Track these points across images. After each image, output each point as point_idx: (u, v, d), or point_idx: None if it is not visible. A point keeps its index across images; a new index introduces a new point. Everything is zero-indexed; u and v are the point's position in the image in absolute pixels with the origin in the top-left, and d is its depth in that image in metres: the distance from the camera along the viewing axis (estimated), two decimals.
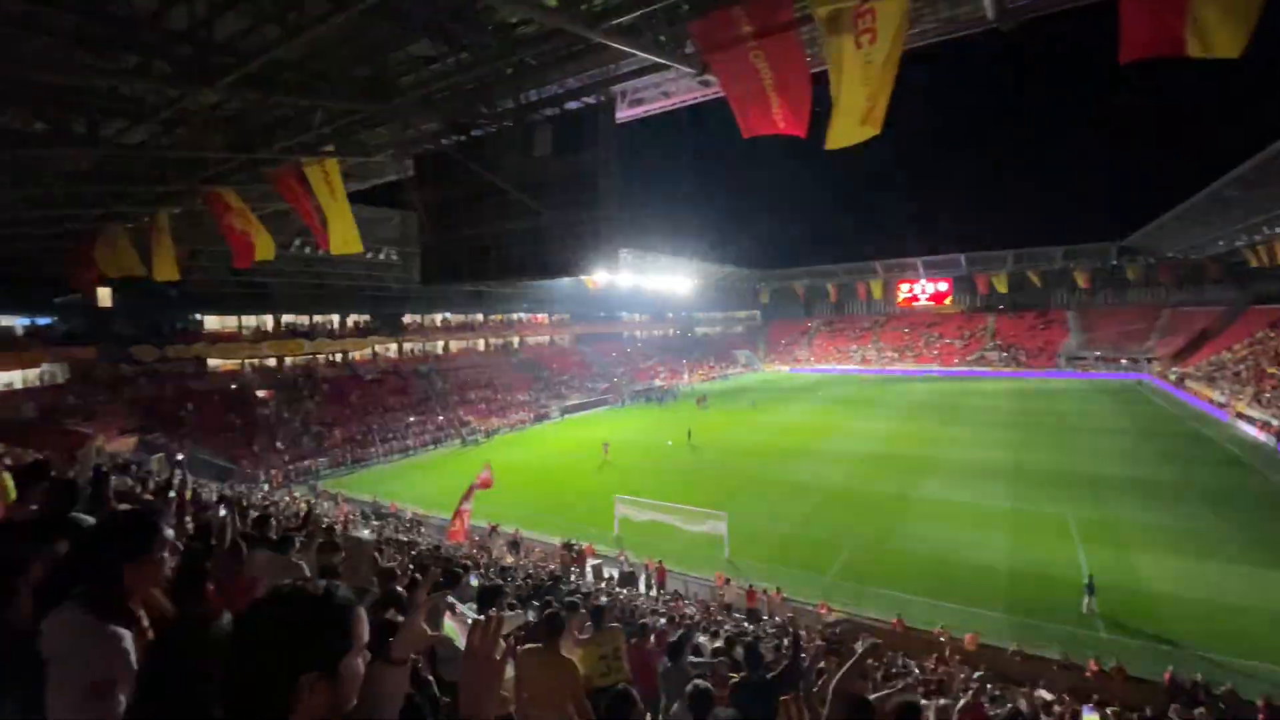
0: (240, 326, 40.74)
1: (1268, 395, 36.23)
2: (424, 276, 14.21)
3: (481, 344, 57.62)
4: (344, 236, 13.24)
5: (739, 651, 7.09)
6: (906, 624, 14.27)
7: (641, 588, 16.39)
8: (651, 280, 63.13)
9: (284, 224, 22.66)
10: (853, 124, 7.24)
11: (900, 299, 79.37)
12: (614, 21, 8.47)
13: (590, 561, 17.74)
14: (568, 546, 18.53)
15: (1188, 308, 60.65)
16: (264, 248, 14.50)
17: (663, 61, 9.37)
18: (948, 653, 13.06)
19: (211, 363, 37.61)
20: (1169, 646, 13.30)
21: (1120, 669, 12.16)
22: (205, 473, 25.25)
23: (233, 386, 36.75)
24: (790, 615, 14.58)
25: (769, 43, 7.57)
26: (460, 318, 56.76)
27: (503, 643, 1.56)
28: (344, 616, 1.22)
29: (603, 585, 15.73)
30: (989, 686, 10.59)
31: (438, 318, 54.77)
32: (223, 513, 5.97)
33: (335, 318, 45.76)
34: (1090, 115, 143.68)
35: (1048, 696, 10.88)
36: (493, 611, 4.98)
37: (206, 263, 31.24)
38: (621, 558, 17.65)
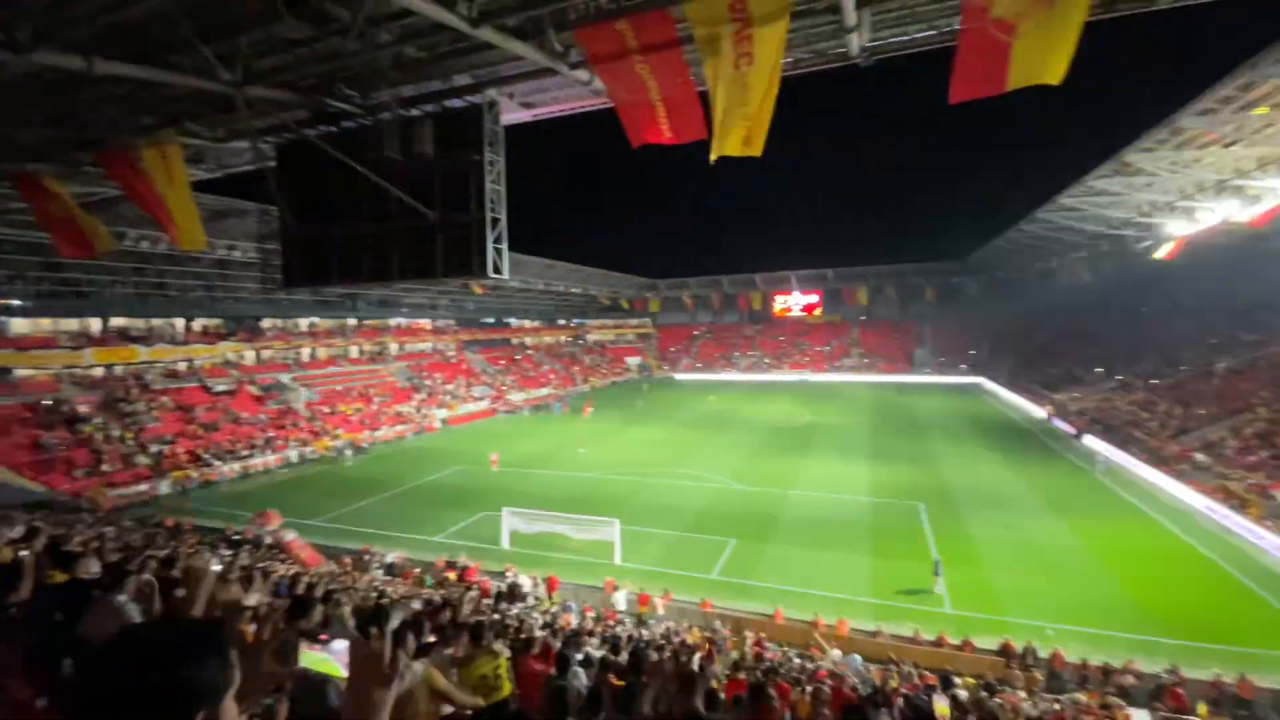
0: (57, 330, 34.86)
1: (1077, 397, 42.77)
2: (286, 277, 13.00)
3: (355, 351, 53.69)
4: (190, 230, 11.80)
5: (624, 657, 7.12)
6: (784, 616, 15.09)
7: (530, 600, 15.99)
8: (542, 285, 62.35)
9: (115, 213, 19.76)
10: (735, 143, 7.59)
11: (777, 309, 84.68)
12: (500, 21, 8.28)
13: (475, 577, 17.04)
14: (450, 565, 17.68)
15: (1015, 321, 69.90)
16: (103, 239, 12.58)
17: (550, 66, 9.30)
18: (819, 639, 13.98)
19: (20, 373, 31.86)
20: (1004, 618, 15.15)
21: (969, 643, 13.65)
22: (12, 502, 21.24)
23: (46, 401, 31.33)
24: (668, 626, 14.88)
25: (654, 58, 7.74)
26: (330, 323, 52.47)
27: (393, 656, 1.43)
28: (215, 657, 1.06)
29: (487, 601, 15.15)
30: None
31: (303, 322, 50.24)
32: (24, 553, 5.01)
33: (179, 322, 40.55)
34: (941, 146, 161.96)
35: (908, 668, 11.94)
36: (375, 632, 4.64)
37: (14, 254, 26.60)
38: (509, 572, 17.11)
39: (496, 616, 10.87)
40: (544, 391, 61.79)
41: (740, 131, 7.50)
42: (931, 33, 9.79)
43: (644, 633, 12.63)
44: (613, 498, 25.67)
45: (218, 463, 31.37)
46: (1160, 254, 33.18)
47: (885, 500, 24.71)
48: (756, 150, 7.63)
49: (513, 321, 78.36)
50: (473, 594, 12.17)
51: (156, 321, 39.18)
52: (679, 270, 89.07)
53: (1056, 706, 10.26)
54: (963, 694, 9.30)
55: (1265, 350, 34.84)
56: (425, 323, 63.61)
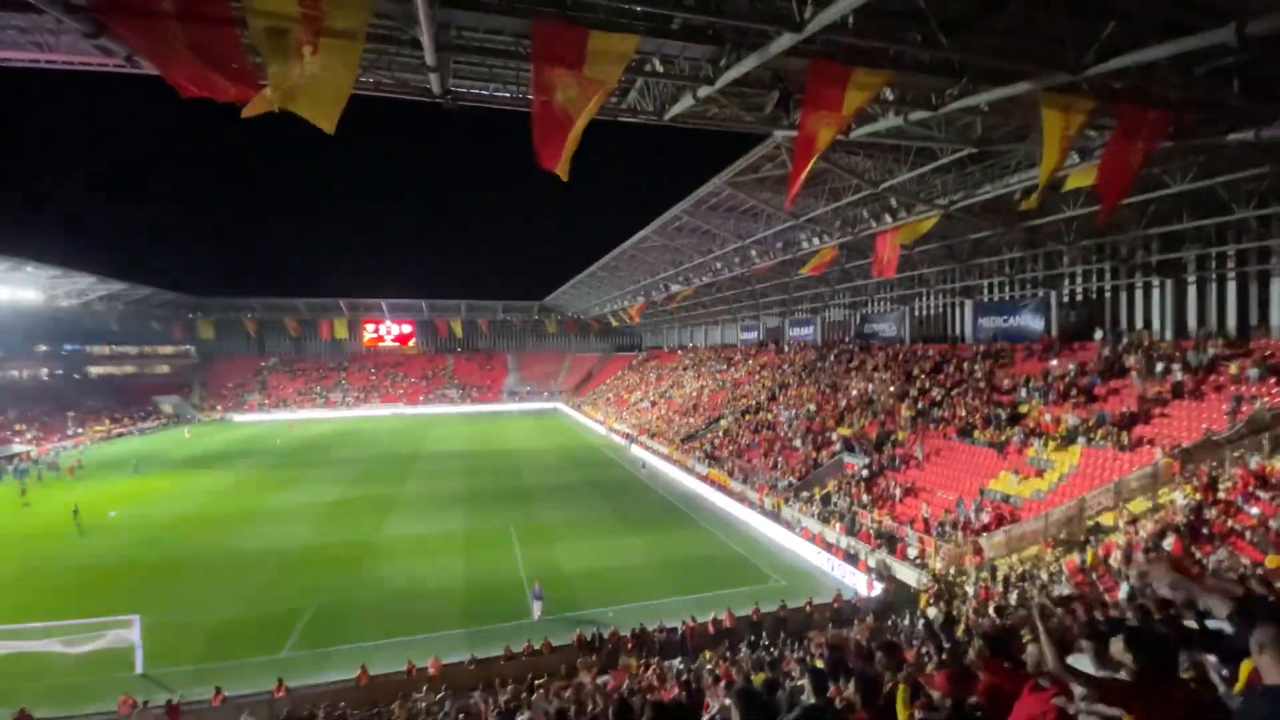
0: None
1: (624, 413, 52.82)
2: None
3: None
4: None
5: None
6: (370, 674, 13.82)
7: None
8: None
9: None
10: (266, 102, 7.08)
11: (366, 339, 79.23)
12: None
13: None
14: None
15: (582, 354, 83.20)
16: None
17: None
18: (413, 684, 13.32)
19: None
20: (581, 611, 17.31)
21: (547, 643, 15.04)
22: None
23: None
24: None
25: (194, 28, 6.35)
26: None
27: None
28: None
29: None
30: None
31: None
32: None
33: None
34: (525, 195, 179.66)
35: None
36: None
37: None
38: None
39: None
40: (10, 449, 41.93)
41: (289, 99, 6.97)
42: (508, 95, 10.93)
43: None
44: (140, 580, 19.32)
45: None
46: (669, 306, 44.45)
47: (477, 524, 25.46)
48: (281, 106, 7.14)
49: None
50: None
51: None
52: (238, 289, 74.19)
53: (607, 678, 12.26)
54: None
55: (728, 375, 50.24)
56: None
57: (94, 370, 66.99)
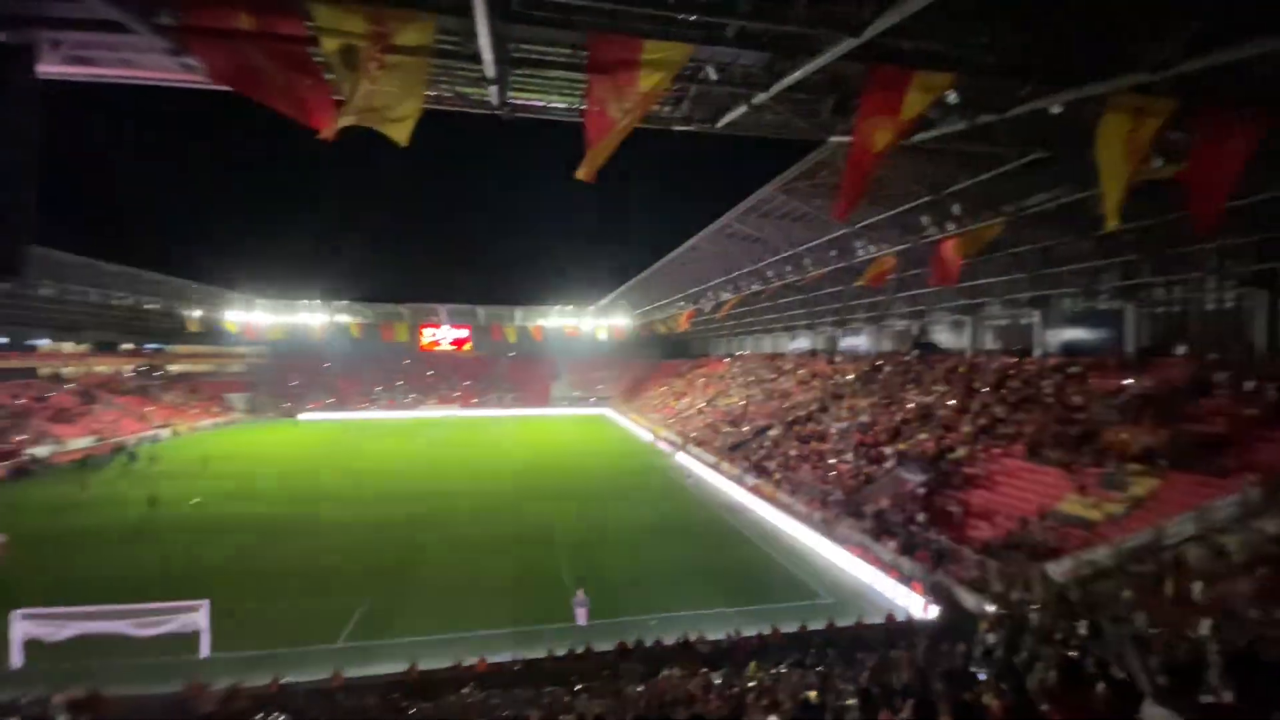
0: None
1: (670, 420, 52.69)
2: None
3: None
4: None
5: None
6: (420, 669, 14.19)
7: None
8: (96, 296, 46.59)
9: None
10: (348, 119, 7.50)
11: (424, 342, 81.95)
12: None
13: None
14: None
15: (630, 360, 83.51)
16: None
17: (117, 18, 7.23)
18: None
19: None
20: (623, 618, 17.30)
21: (589, 647, 15.07)
22: None
23: None
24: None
25: (274, 47, 6.77)
26: None
27: None
28: None
29: None
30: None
31: None
32: None
33: None
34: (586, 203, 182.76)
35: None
36: None
37: None
38: (23, 700, 11.74)
39: None
40: (85, 442, 45.45)
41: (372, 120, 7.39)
42: (564, 106, 11.15)
43: None
44: (210, 567, 20.48)
45: None
46: (720, 313, 44.20)
47: (525, 528, 25.89)
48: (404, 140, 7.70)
49: (42, 344, 56.51)
50: None
51: None
52: (307, 293, 77.85)
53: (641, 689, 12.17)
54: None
55: (778, 384, 49.35)
56: None
57: (172, 368, 71.80)
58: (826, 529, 23.81)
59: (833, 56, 8.34)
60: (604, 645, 15.22)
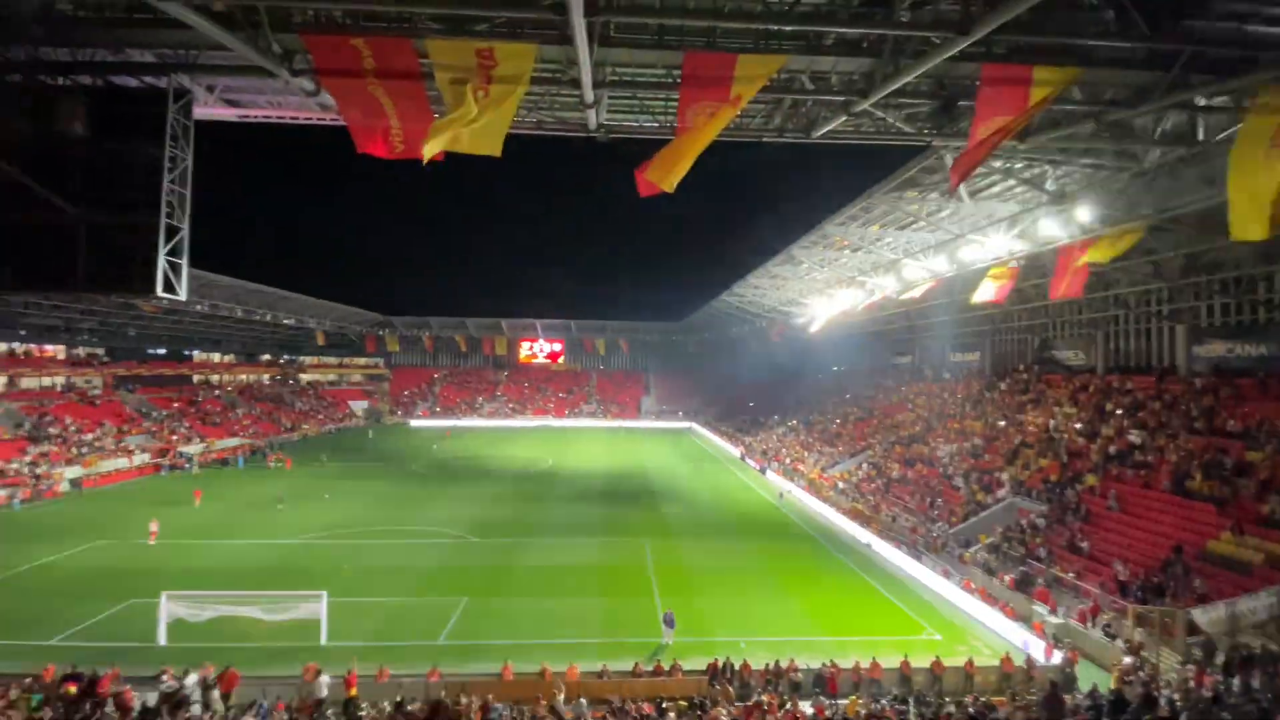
0: None
1: (762, 438, 51.52)
2: None
3: None
4: None
5: None
6: (514, 671, 14.59)
7: (196, 709, 12.62)
8: (241, 313, 52.43)
9: None
10: (447, 145, 7.90)
11: (521, 356, 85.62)
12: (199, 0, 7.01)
13: (112, 689, 12.81)
14: (72, 677, 13.00)
15: (720, 374, 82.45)
16: None
17: (264, 65, 8.16)
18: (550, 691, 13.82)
19: None
20: (712, 637, 16.97)
21: (678, 666, 14.88)
22: None
23: None
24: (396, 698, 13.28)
25: (391, 84, 7.37)
26: None
27: None
28: None
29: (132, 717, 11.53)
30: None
31: None
32: None
33: None
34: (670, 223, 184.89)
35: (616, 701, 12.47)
36: None
37: None
38: (165, 675, 13.29)
39: None
40: (232, 442, 51.09)
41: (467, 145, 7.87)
42: (656, 124, 11.31)
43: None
44: (321, 566, 22.26)
45: None
46: (814, 328, 42.78)
47: (613, 539, 26.13)
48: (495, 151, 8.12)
49: (196, 355, 64.34)
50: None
51: None
52: (418, 309, 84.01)
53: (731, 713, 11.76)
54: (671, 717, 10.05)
55: (877, 402, 46.93)
56: (55, 350, 48.27)
57: (304, 377, 79.36)
58: (933, 558, 22.19)
59: (940, 58, 7.90)
60: (693, 664, 14.99)
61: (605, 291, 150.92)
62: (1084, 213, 17.56)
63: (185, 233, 8.90)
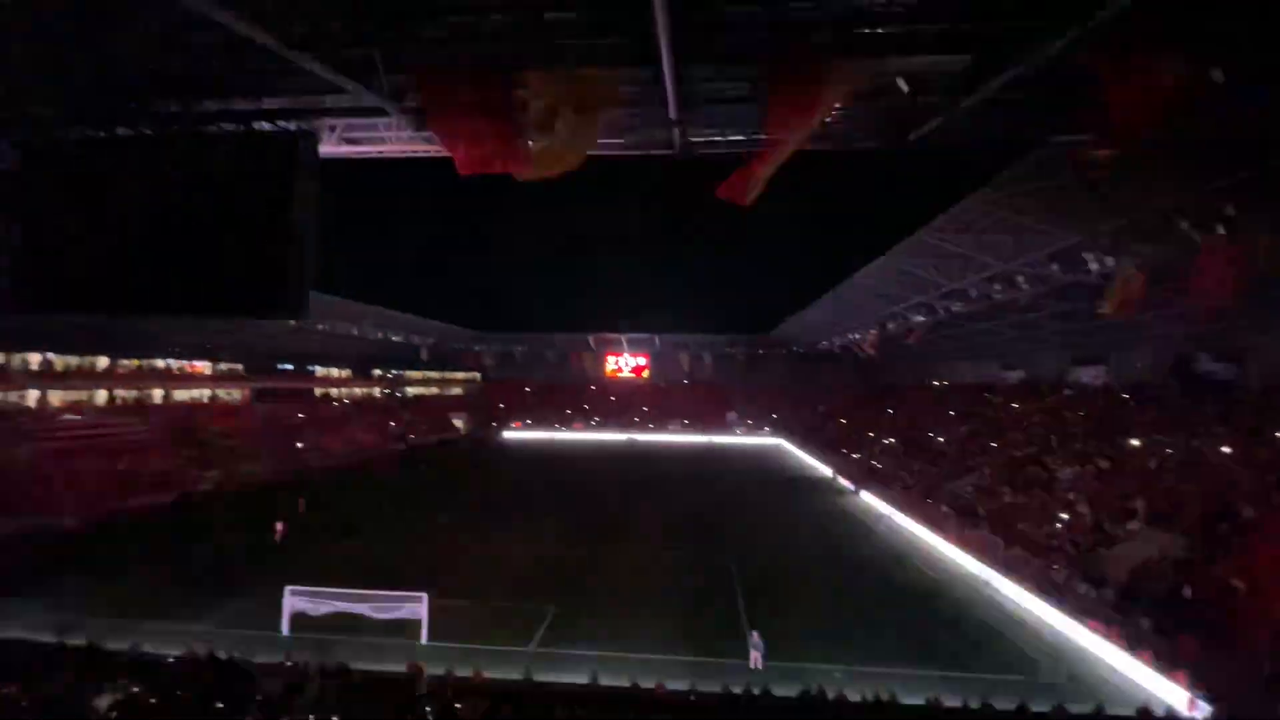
0: None
1: (854, 455, 49.28)
2: (16, 300, 10.42)
3: (103, 396, 44.08)
4: None
5: None
6: (603, 684, 14.65)
7: (314, 695, 13.67)
8: (355, 332, 57.15)
9: None
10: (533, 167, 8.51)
11: (608, 370, 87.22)
12: (325, 50, 7.77)
13: (247, 674, 14.16)
14: (214, 660, 14.50)
15: (808, 389, 79.92)
16: None
17: (379, 105, 8.89)
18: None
19: None
20: (803, 663, 16.29)
21: (767, 691, 14.36)
22: None
23: None
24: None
25: (488, 114, 7.80)
26: (70, 361, 42.70)
27: None
28: None
29: (257, 700, 12.68)
30: None
31: (33, 359, 40.29)
32: None
33: None
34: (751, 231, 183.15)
35: None
36: None
37: None
38: (288, 662, 14.53)
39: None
40: (343, 451, 55.30)
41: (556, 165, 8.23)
42: (742, 138, 11.21)
43: None
44: (422, 570, 23.57)
45: None
46: (911, 339, 40.55)
47: (698, 557, 25.79)
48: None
49: (318, 370, 70.53)
50: None
51: None
52: (512, 325, 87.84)
53: None
54: None
55: (986, 420, 43.54)
56: (203, 366, 54.58)
57: (410, 390, 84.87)
58: (1053, 593, 20.16)
59: (1056, 48, 7.30)
60: (785, 691, 14.42)
61: (690, 304, 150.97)
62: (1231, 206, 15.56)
63: (312, 261, 9.81)
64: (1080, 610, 18.69)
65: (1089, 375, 38.15)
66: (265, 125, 9.81)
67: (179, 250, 9.68)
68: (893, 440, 49.64)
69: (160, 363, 49.72)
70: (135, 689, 11.40)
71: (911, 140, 10.88)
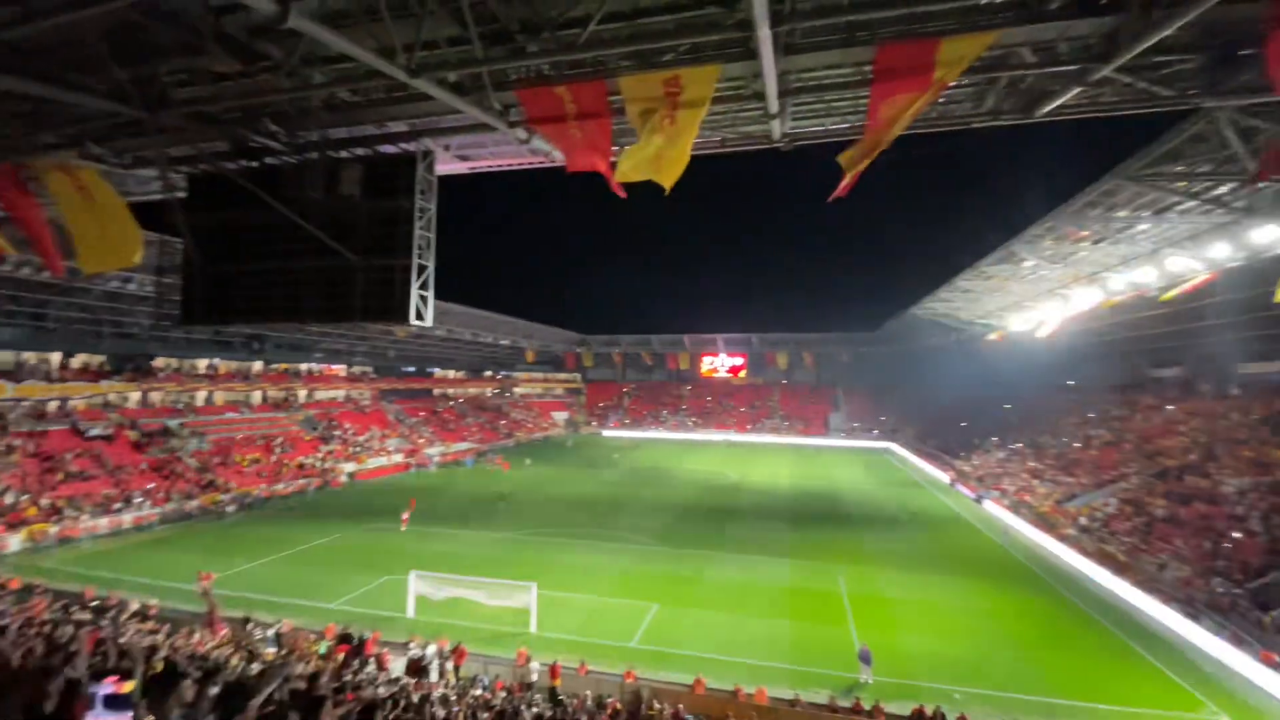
0: None
1: (976, 463, 45.59)
2: (186, 313, 12.14)
3: (258, 396, 50.01)
4: (101, 252, 10.93)
5: None
6: (706, 685, 14.64)
7: (434, 675, 14.75)
8: (469, 336, 60.96)
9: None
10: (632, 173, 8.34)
11: (704, 370, 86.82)
12: (439, 74, 8.36)
13: (375, 651, 15.57)
14: (345, 638, 16.04)
15: (922, 389, 74.67)
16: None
17: (488, 122, 9.42)
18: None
19: None
20: (918, 681, 15.37)
21: (879, 708, 13.68)
22: None
23: None
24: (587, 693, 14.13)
25: (589, 123, 8.02)
26: (231, 365, 48.87)
27: None
28: None
29: (382, 675, 13.86)
30: None
31: (200, 363, 46.51)
32: None
33: (55, 356, 36.49)
34: (856, 227, 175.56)
35: None
36: None
37: None
38: (413, 643, 15.78)
39: (400, 691, 9.90)
40: (463, 446, 59.40)
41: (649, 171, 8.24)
42: (845, 125, 10.77)
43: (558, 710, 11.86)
44: (531, 559, 24.61)
45: (83, 516, 27.70)
46: (1042, 334, 36.90)
47: (804, 562, 25.03)
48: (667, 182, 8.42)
49: (435, 371, 75.81)
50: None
51: (29, 355, 35.06)
52: (610, 327, 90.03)
53: None
54: None
55: (1132, 423, 38.77)
56: (339, 369, 60.44)
57: (517, 391, 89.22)
58: (1217, 619, 17.61)
59: (1212, 1, 6.39)
60: (895, 708, 13.68)
61: (790, 302, 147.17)
62: None
63: (431, 270, 10.61)
64: (1248, 638, 16.16)
65: (1264, 373, 32.81)
66: (389, 148, 10.74)
67: (315, 265, 10.83)
68: (1019, 445, 45.45)
69: (303, 366, 55.67)
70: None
71: (1040, 115, 9.94)
